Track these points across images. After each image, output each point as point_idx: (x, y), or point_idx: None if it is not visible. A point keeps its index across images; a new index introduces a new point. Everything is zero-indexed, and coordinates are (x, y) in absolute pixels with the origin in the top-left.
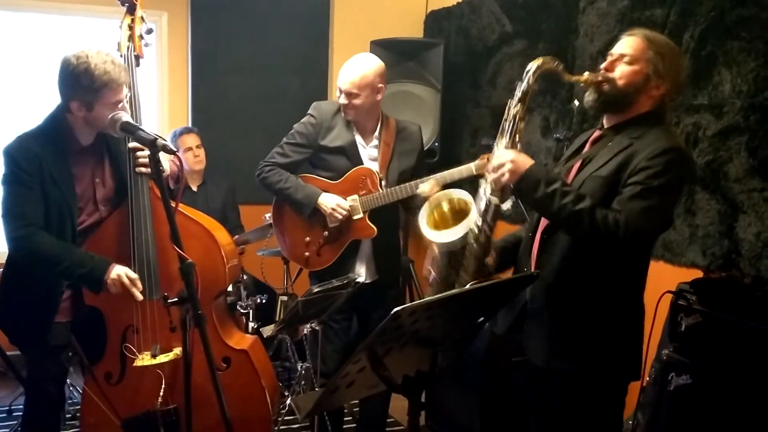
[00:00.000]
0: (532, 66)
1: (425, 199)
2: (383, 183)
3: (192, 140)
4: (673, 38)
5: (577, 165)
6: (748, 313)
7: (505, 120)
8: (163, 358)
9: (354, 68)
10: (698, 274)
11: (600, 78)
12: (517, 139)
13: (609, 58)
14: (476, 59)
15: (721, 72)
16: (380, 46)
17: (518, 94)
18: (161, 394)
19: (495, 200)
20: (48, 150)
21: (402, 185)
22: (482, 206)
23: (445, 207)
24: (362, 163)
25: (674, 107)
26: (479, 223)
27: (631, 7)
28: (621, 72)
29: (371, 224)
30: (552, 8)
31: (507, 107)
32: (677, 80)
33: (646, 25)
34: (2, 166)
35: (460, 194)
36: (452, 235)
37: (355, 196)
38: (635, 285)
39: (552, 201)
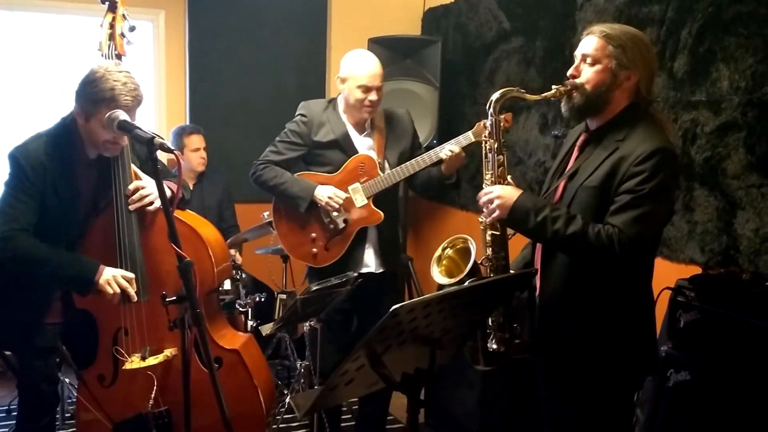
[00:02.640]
0: (492, 98)
1: (455, 157)
2: (385, 167)
3: (201, 141)
4: (670, 35)
5: (567, 171)
6: (746, 309)
7: (485, 156)
8: (152, 361)
9: (375, 63)
10: (697, 270)
11: (568, 87)
12: (501, 171)
13: (574, 62)
14: (474, 56)
15: (719, 68)
16: (378, 44)
17: (487, 129)
18: (152, 396)
19: (495, 232)
20: (55, 160)
21: (404, 164)
22: (486, 238)
23: (450, 252)
24: (358, 153)
25: (672, 104)
26: (489, 254)
27: (629, 4)
28: (586, 76)
29: (377, 209)
30: (549, 5)
31: (483, 143)
32: (647, 64)
33: (644, 22)
34: (7, 163)
35: (458, 236)
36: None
37: (357, 184)
38: (643, 279)
39: (545, 229)
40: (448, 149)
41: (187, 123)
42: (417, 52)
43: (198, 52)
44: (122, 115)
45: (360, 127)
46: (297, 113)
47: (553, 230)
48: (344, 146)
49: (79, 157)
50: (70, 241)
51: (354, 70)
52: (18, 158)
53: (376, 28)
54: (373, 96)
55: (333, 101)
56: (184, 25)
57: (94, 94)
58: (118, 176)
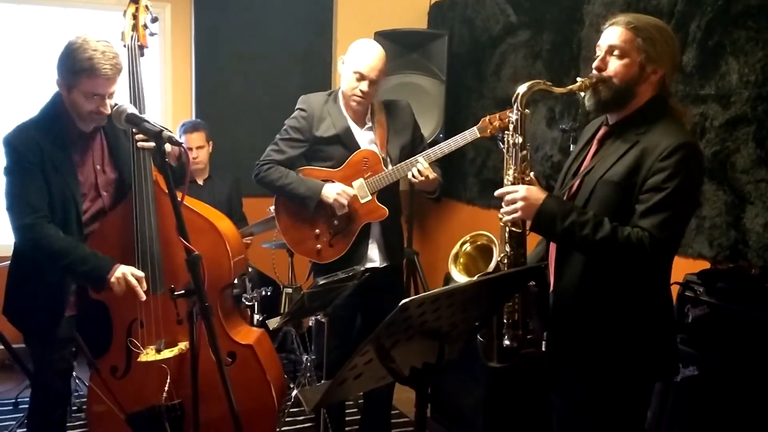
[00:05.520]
0: (520, 91)
1: (423, 175)
2: (388, 162)
3: (195, 140)
4: (679, 28)
5: (586, 164)
6: (755, 304)
7: (507, 150)
8: (167, 353)
9: (375, 55)
10: (705, 265)
11: (594, 79)
12: (524, 167)
13: (598, 53)
14: (480, 50)
15: (729, 62)
16: (384, 38)
17: (512, 123)
18: (166, 389)
19: (516, 229)
20: (48, 138)
21: (406, 161)
22: (505, 235)
23: (468, 249)
24: (360, 148)
25: (681, 98)
26: (508, 251)
27: None
28: (614, 69)
29: (381, 205)
30: None
31: (505, 138)
32: (673, 57)
33: (653, 15)
34: (3, 156)
35: (479, 233)
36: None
37: (361, 180)
38: (661, 277)
39: (572, 235)
40: (416, 170)
41: (193, 116)
42: (423, 46)
43: (204, 45)
44: (129, 108)
45: (361, 121)
46: (296, 108)
47: (581, 236)
48: (346, 141)
49: (71, 132)
50: (79, 215)
51: (355, 54)
52: (12, 141)
53: (383, 22)
54: (364, 86)
55: (333, 93)
56: (190, 18)
57: (72, 65)
58: (138, 169)
